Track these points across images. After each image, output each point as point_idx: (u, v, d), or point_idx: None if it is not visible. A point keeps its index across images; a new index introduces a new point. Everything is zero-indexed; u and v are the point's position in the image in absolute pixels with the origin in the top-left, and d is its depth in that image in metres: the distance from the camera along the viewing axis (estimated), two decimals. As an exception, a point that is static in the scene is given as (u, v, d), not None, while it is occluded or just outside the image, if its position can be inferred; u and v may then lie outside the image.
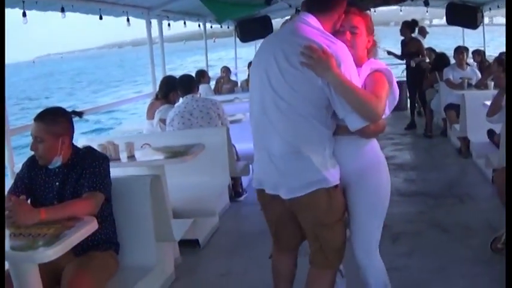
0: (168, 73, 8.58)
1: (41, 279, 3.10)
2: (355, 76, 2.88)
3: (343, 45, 2.87)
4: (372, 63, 3.08)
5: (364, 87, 2.93)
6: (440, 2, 11.89)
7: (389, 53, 11.26)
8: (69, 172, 3.61)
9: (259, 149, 3.07)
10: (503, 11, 11.51)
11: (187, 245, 5.23)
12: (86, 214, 3.29)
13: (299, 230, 3.22)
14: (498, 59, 8.47)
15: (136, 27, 8.49)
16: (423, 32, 13.13)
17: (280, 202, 3.05)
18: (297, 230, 3.24)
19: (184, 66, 43.90)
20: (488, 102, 6.68)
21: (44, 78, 78.38)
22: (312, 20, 2.93)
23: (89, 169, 3.57)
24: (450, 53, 10.16)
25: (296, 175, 2.90)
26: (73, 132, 3.68)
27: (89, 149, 3.78)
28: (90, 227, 3.14)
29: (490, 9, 11.89)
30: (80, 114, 3.90)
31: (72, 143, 3.70)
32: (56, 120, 3.56)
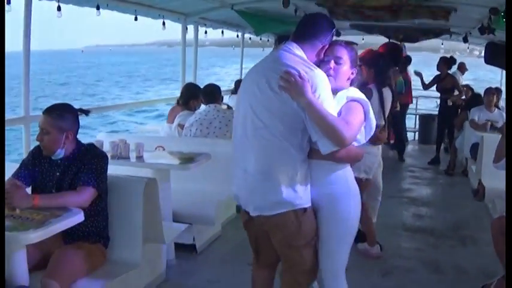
0: (214, 77, 8.78)
1: (32, 261, 3.48)
2: (329, 103, 3.01)
3: (321, 72, 3.04)
4: (349, 91, 3.22)
5: (339, 114, 3.06)
6: (480, 40, 11.80)
7: (416, 73, 11.28)
8: (70, 165, 3.82)
9: (238, 167, 3.22)
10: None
11: (185, 249, 5.39)
12: (76, 206, 3.52)
13: None
14: None
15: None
16: (462, 69, 13.06)
17: (256, 220, 3.21)
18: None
19: (229, 72, 44.30)
20: (503, 148, 6.67)
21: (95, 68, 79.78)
22: (295, 48, 3.13)
23: (87, 165, 3.78)
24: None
25: (263, 194, 3.07)
26: (78, 128, 3.90)
27: (90, 146, 3.99)
28: (75, 218, 3.38)
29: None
30: (86, 112, 4.10)
31: (76, 138, 3.90)
32: (63, 116, 3.78)
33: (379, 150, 5.42)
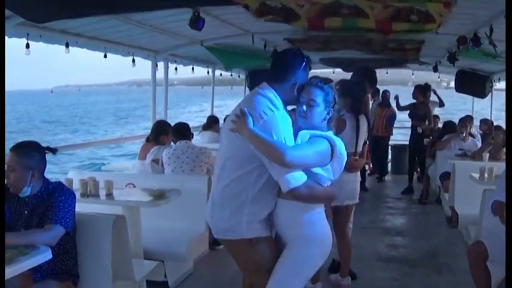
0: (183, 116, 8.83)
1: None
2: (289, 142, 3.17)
3: (280, 115, 3.23)
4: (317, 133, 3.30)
5: None
6: (451, 69, 11.99)
7: (396, 98, 11.96)
8: (38, 203, 3.79)
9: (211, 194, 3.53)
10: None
11: (157, 286, 5.28)
12: (44, 244, 3.48)
13: None
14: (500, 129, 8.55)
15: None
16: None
17: None
18: None
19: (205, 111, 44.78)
20: (476, 175, 6.73)
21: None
22: (266, 89, 3.35)
23: (55, 203, 3.75)
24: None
25: (215, 221, 3.38)
26: (45, 166, 3.88)
27: (58, 184, 3.95)
28: (43, 256, 3.34)
29: (499, 79, 11.94)
30: (53, 150, 4.07)
31: (44, 176, 3.87)
32: (29, 154, 3.77)
33: (357, 176, 5.42)
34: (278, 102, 3.29)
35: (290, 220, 3.30)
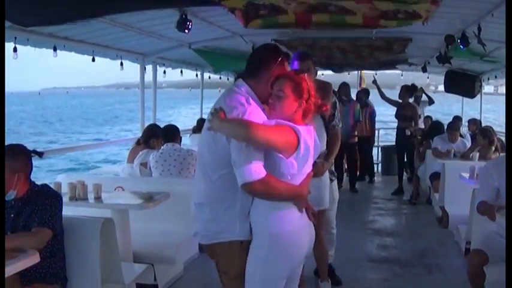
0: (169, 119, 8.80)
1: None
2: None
3: (247, 108, 3.09)
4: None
5: None
6: (440, 70, 12.02)
7: (374, 82, 12.00)
8: (24, 206, 3.76)
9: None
10: (501, 80, 11.59)
11: (147, 289, 5.25)
12: (31, 247, 3.47)
13: None
14: (481, 131, 8.57)
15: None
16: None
17: None
18: None
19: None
20: (465, 174, 6.73)
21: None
22: (242, 85, 3.26)
23: (41, 206, 3.73)
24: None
25: (204, 223, 3.26)
26: (31, 169, 3.86)
27: (44, 187, 3.93)
28: (31, 259, 3.33)
29: (488, 78, 12.02)
30: (40, 154, 4.05)
31: (30, 179, 3.84)
32: (15, 157, 3.74)
33: (323, 181, 5.06)
34: (251, 97, 3.19)
35: (257, 216, 3.16)
